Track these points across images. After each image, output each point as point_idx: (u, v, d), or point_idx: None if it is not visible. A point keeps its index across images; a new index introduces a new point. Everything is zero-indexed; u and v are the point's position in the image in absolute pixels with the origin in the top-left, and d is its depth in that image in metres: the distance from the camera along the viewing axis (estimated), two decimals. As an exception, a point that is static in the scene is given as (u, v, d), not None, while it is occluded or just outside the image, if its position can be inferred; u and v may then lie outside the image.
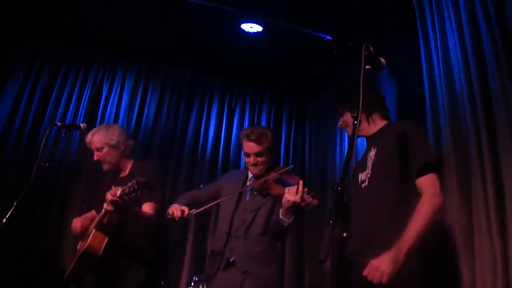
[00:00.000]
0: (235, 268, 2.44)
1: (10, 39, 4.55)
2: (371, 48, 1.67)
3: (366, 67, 1.65)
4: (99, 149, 2.75)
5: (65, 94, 4.73)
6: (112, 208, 2.36)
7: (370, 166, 1.98)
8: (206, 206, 2.55)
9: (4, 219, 2.37)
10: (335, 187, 1.38)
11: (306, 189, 2.22)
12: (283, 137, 5.39)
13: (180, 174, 4.82)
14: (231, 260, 2.46)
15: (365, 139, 2.24)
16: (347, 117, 2.16)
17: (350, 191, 2.05)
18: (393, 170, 1.87)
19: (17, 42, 4.64)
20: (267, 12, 4.01)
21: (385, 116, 2.18)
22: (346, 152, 1.69)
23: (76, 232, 2.78)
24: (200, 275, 3.21)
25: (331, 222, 1.31)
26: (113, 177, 2.84)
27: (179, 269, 4.40)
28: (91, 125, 4.50)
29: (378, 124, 2.14)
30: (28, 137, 4.42)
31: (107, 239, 2.45)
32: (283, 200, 2.25)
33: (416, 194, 1.84)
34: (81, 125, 2.88)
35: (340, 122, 2.24)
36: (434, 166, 1.85)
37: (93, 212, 2.93)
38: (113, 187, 2.38)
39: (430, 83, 2.89)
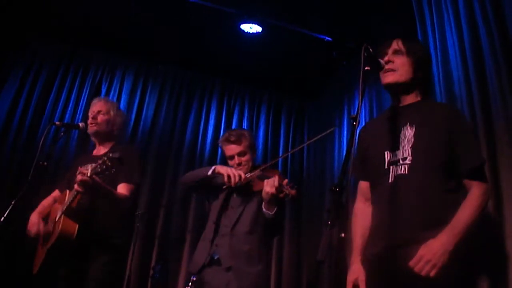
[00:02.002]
0: (220, 266, 2.43)
1: (9, 39, 4.55)
2: (371, 49, 1.64)
3: (366, 68, 1.62)
4: (100, 112, 2.73)
5: (64, 94, 4.73)
6: (83, 190, 2.20)
7: (409, 150, 1.71)
8: (257, 172, 2.54)
9: (2, 218, 2.36)
10: (333, 188, 1.37)
11: (286, 181, 2.34)
12: (282, 138, 5.40)
13: (178, 175, 4.80)
14: (215, 258, 2.46)
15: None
16: (403, 61, 1.81)
17: (370, 171, 1.87)
18: (440, 162, 1.67)
19: (16, 42, 4.64)
20: (266, 13, 4.01)
21: (425, 91, 1.87)
22: (344, 154, 1.58)
23: (31, 234, 2.54)
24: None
25: (329, 222, 1.30)
26: (87, 156, 2.77)
27: (177, 269, 4.39)
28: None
29: (416, 96, 1.84)
30: (26, 136, 4.42)
31: (77, 226, 2.27)
32: (263, 192, 2.36)
33: (456, 192, 1.69)
34: (80, 124, 2.85)
35: (390, 58, 1.81)
36: (484, 168, 1.73)
37: (56, 192, 2.78)
38: (79, 168, 2.23)
39: (429, 85, 2.90)
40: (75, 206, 2.36)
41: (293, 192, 2.33)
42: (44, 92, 4.66)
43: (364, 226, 1.84)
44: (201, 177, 2.59)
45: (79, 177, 2.19)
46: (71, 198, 2.35)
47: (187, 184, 2.79)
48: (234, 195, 2.64)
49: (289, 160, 5.26)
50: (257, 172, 2.53)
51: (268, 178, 2.39)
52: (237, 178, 2.43)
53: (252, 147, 2.71)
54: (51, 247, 2.33)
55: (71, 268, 2.43)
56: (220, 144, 2.78)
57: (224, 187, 2.49)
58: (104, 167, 2.13)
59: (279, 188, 2.31)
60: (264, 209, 2.41)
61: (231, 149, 2.66)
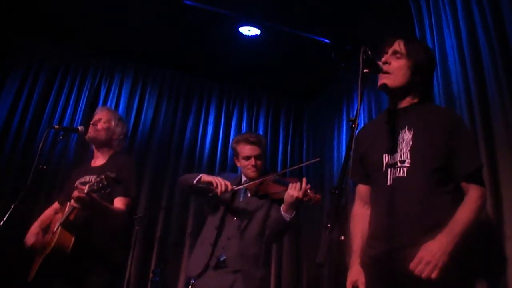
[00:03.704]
0: (226, 269, 2.41)
1: (7, 42, 4.55)
2: (369, 51, 1.64)
3: (364, 70, 1.62)
4: (101, 120, 2.76)
5: (62, 97, 4.73)
6: (79, 206, 2.26)
7: (408, 153, 1.70)
8: (247, 184, 2.56)
9: (2, 222, 2.35)
10: (333, 191, 1.36)
11: (309, 186, 2.34)
12: (281, 140, 5.39)
13: (177, 177, 4.77)
14: (221, 259, 2.43)
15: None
16: (400, 64, 1.78)
17: (369, 174, 1.87)
18: (438, 165, 1.66)
19: (15, 44, 4.64)
20: (265, 15, 4.01)
21: (424, 94, 1.83)
22: (343, 156, 1.55)
23: (27, 245, 2.57)
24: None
25: (328, 226, 1.29)
26: (85, 167, 2.78)
27: (176, 273, 4.38)
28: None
29: (413, 98, 1.81)
30: (25, 139, 4.41)
31: (73, 238, 2.30)
32: (286, 195, 2.35)
33: (454, 194, 1.68)
34: (79, 128, 2.86)
35: (387, 58, 1.79)
36: (482, 172, 1.73)
37: (56, 204, 2.80)
38: (77, 182, 2.24)
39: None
40: (73, 219, 2.37)
41: (318, 196, 2.33)
42: (43, 95, 4.66)
43: (363, 228, 1.83)
44: (188, 184, 2.54)
45: (76, 194, 2.23)
46: (69, 211, 2.37)
47: (181, 187, 2.76)
48: (241, 198, 2.62)
49: (288, 162, 5.27)
50: (272, 176, 2.55)
51: (287, 182, 2.39)
52: (223, 188, 2.39)
53: (265, 154, 2.76)
54: (46, 257, 2.34)
55: (66, 281, 2.42)
56: (234, 144, 2.75)
57: (210, 194, 2.46)
58: (100, 185, 2.16)
59: (305, 192, 2.31)
60: (282, 212, 2.39)
61: (250, 149, 2.65)
